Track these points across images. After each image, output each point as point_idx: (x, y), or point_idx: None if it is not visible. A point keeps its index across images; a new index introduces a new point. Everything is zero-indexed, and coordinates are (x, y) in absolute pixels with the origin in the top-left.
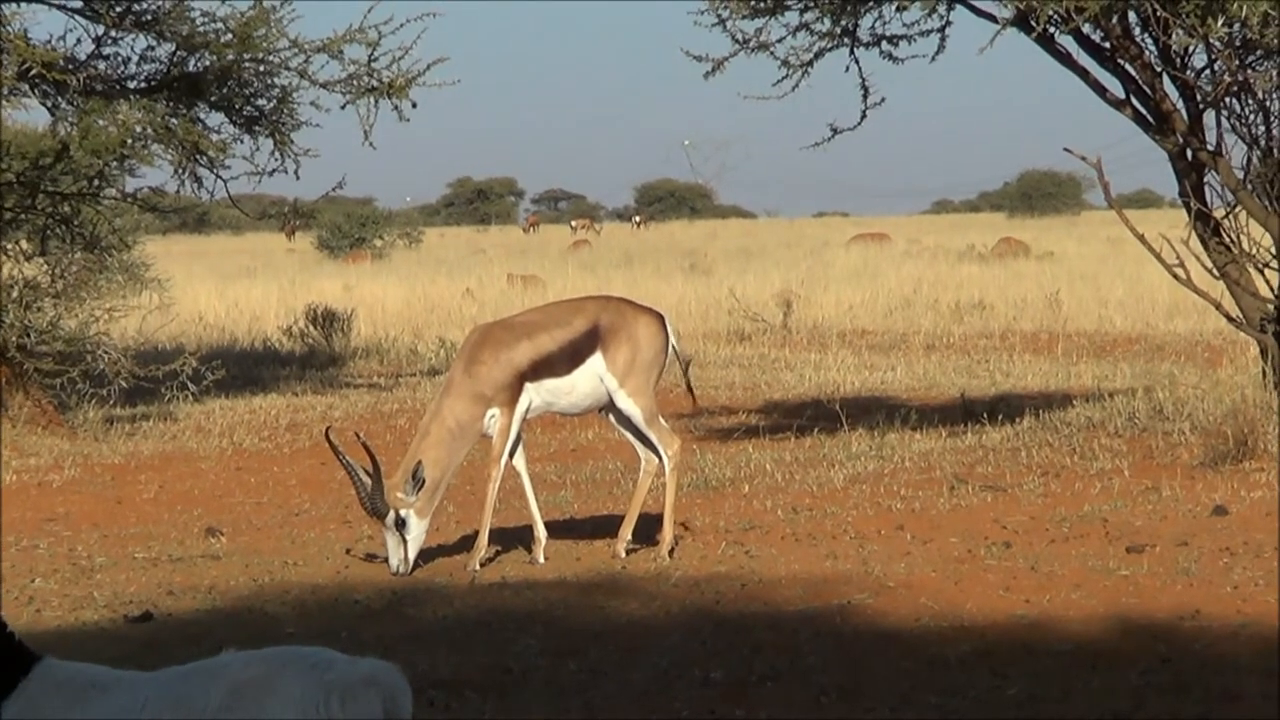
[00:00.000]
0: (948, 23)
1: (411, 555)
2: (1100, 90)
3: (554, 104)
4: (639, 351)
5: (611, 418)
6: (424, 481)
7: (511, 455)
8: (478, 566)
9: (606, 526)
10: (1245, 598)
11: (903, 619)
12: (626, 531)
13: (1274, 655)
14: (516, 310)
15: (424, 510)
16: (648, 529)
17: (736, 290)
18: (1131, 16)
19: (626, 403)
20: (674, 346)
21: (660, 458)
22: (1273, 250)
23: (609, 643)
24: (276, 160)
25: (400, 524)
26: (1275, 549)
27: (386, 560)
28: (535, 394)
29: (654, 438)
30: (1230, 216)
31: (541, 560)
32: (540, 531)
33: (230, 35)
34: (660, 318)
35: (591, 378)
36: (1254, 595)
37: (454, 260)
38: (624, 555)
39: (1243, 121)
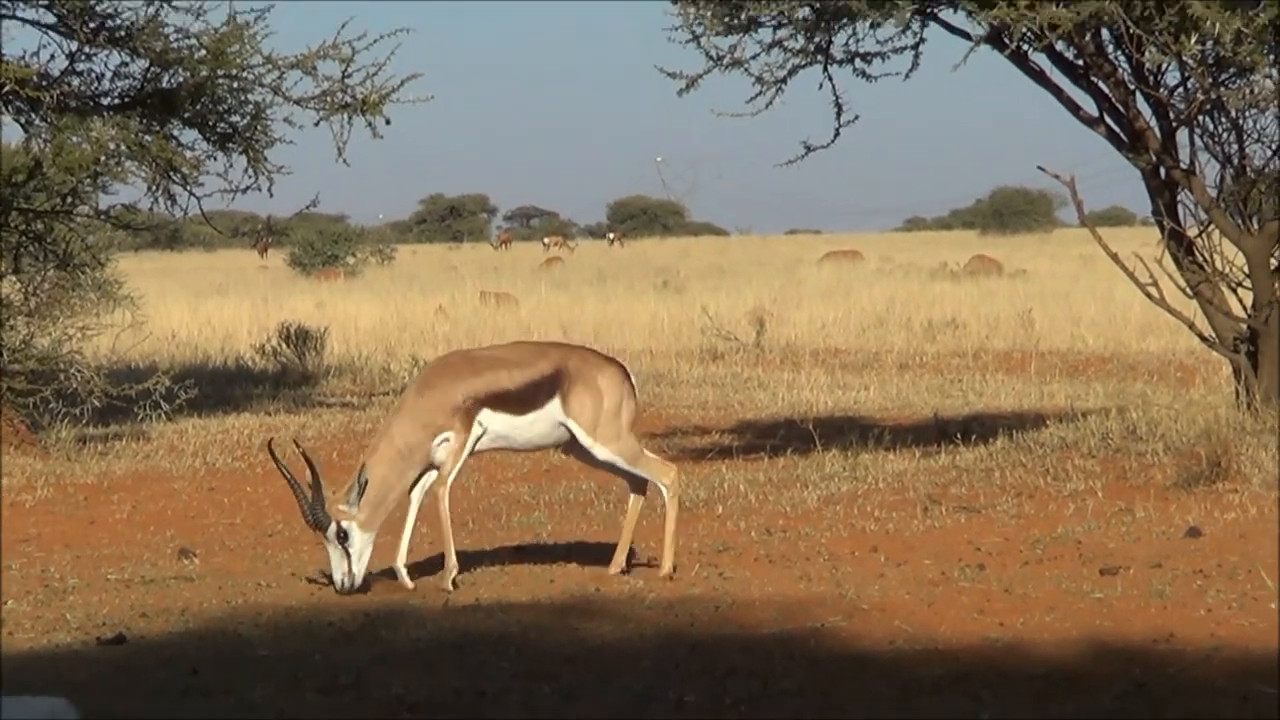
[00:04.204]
0: (921, 40)
1: (358, 570)
2: (1073, 108)
3: (527, 121)
4: (602, 400)
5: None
6: (365, 491)
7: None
8: (450, 586)
9: (580, 548)
10: (1219, 620)
11: (877, 642)
12: (621, 558)
13: (1248, 679)
14: (489, 328)
15: (368, 524)
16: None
17: (709, 308)
18: (1105, 34)
19: (604, 452)
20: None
21: (661, 489)
22: (1245, 269)
23: (583, 666)
24: (250, 177)
25: (342, 536)
26: (1249, 571)
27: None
28: (490, 423)
29: (646, 474)
30: (1203, 235)
31: (410, 585)
32: (403, 562)
33: (204, 51)
34: (622, 367)
35: (548, 421)
36: (1228, 618)
37: (426, 277)
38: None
39: (1216, 140)
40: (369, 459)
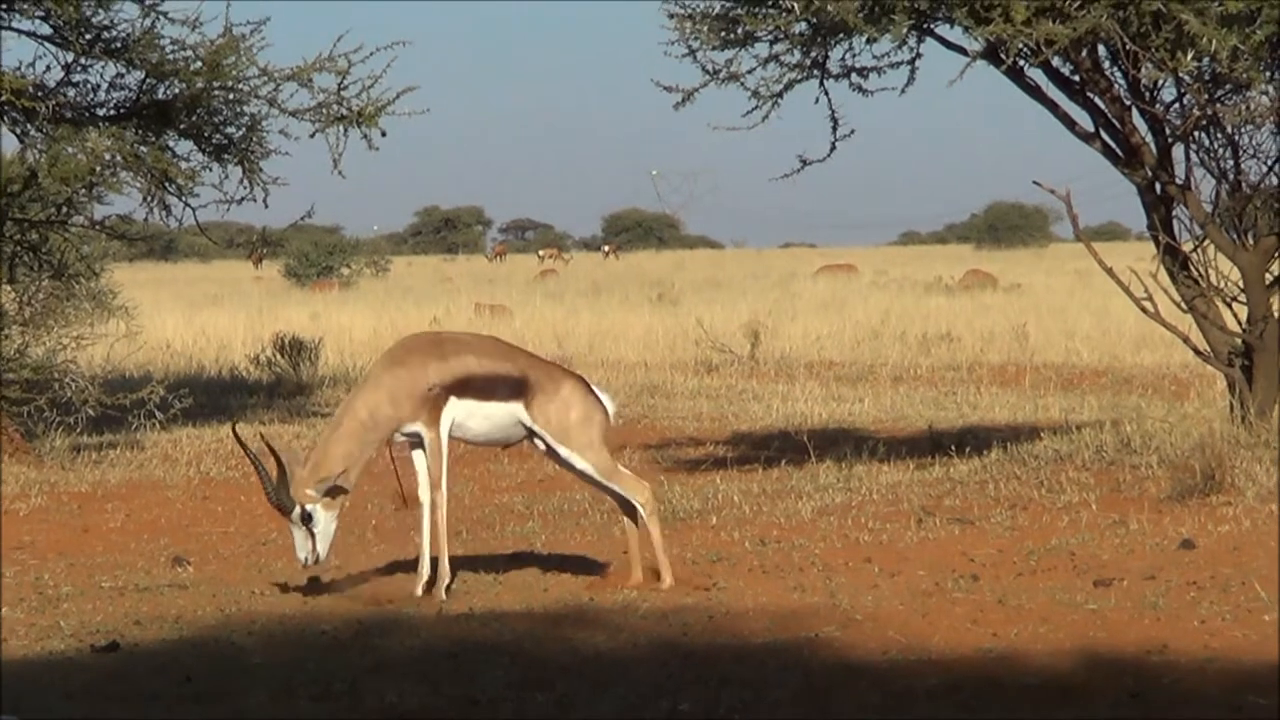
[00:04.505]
0: (917, 55)
1: (322, 549)
2: (1069, 123)
3: (522, 133)
4: (569, 410)
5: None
6: (335, 487)
7: (436, 483)
8: (443, 594)
9: (574, 558)
10: (1212, 632)
11: (870, 652)
12: (638, 573)
13: (1241, 690)
14: None
15: (332, 505)
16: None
17: (704, 321)
18: (1101, 50)
19: (580, 461)
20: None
21: (638, 507)
22: (1240, 284)
23: (577, 675)
24: (245, 188)
25: (307, 518)
26: (1243, 583)
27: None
28: (457, 411)
29: (620, 490)
30: (1198, 250)
31: (418, 593)
32: (426, 569)
33: (200, 63)
34: (583, 380)
35: (508, 415)
36: (1221, 629)
37: (421, 289)
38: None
39: (1211, 155)
40: (331, 433)
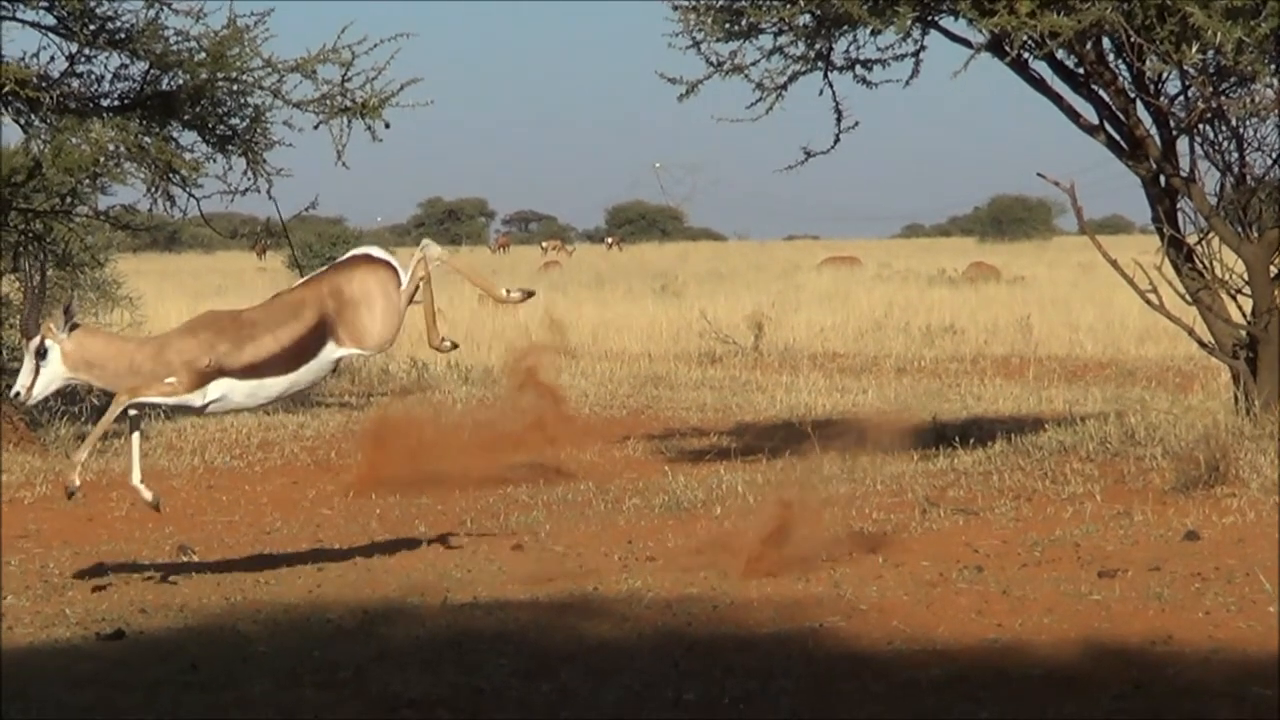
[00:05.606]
0: (922, 47)
1: (37, 392)
2: (1073, 116)
3: (525, 125)
4: (372, 309)
5: None
6: (75, 325)
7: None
8: (76, 481)
9: (579, 547)
10: (1217, 623)
11: (875, 642)
12: (434, 336)
13: (1245, 681)
14: (487, 330)
15: (69, 361)
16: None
17: (707, 312)
18: (1106, 43)
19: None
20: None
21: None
22: (1245, 277)
23: (581, 664)
24: (249, 179)
25: (42, 354)
26: (1247, 575)
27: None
28: (229, 389)
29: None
30: (1203, 243)
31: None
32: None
33: (204, 54)
34: (366, 258)
35: (323, 363)
36: (1226, 621)
37: None
38: (448, 345)
39: (1216, 148)
40: (137, 348)
